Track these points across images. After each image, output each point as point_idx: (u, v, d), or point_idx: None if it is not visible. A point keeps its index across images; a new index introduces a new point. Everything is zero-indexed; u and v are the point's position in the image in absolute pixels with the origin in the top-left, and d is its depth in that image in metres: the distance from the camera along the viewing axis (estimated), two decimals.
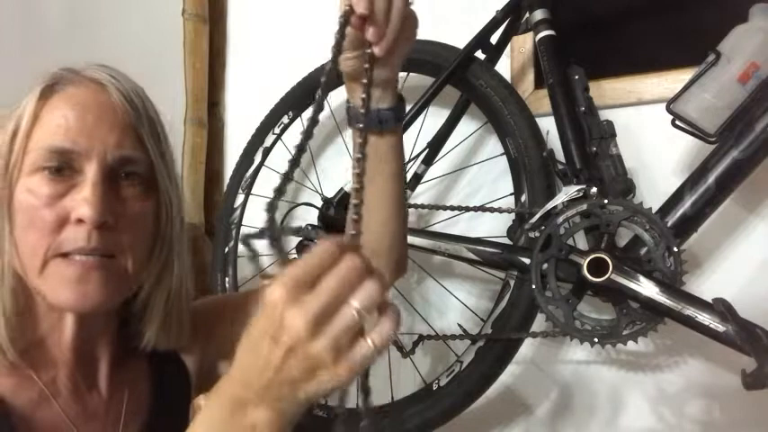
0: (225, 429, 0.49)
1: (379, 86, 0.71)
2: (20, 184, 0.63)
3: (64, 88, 0.66)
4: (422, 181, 1.33)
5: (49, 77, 0.66)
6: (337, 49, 0.60)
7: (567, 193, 1.07)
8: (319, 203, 1.32)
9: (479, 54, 1.27)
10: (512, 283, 1.16)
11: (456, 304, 1.36)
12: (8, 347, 0.63)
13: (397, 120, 0.74)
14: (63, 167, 0.63)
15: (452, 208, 1.22)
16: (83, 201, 0.62)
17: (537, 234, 1.07)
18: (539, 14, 1.21)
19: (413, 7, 0.66)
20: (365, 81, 0.59)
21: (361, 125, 0.57)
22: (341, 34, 0.61)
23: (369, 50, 0.62)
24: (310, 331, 0.44)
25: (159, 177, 0.68)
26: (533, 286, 1.05)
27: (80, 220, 0.62)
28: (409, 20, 0.66)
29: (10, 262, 0.64)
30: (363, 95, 0.58)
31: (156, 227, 0.69)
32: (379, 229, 0.78)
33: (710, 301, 0.97)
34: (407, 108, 1.24)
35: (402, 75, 1.42)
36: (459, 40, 1.27)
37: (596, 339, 1.02)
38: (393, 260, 0.82)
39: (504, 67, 1.33)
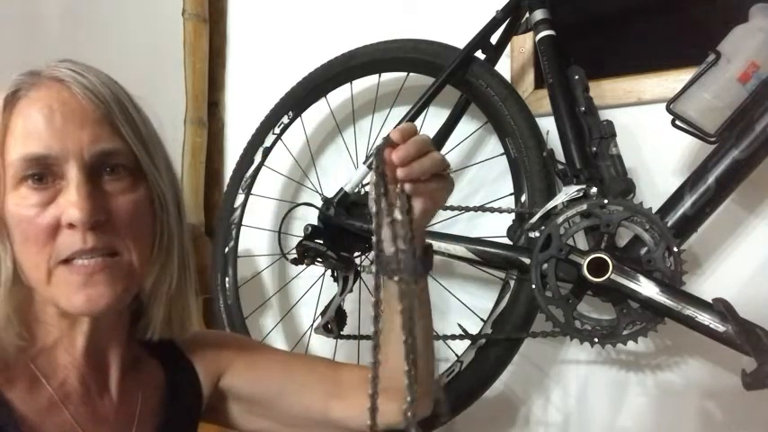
0: None
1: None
2: (8, 200, 0.62)
3: (27, 94, 0.64)
4: None
5: (10, 85, 0.64)
6: (383, 185, 0.60)
7: (567, 193, 1.07)
8: (319, 203, 1.32)
9: (479, 54, 1.26)
10: (512, 283, 1.16)
11: (456, 304, 1.36)
12: (17, 356, 0.63)
13: (422, 270, 0.74)
14: (44, 175, 0.62)
15: (452, 208, 1.22)
16: (70, 204, 0.60)
17: (537, 234, 1.07)
18: (539, 14, 1.21)
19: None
20: (399, 217, 0.60)
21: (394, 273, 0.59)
22: (378, 165, 0.61)
23: (400, 188, 0.63)
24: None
25: (144, 165, 0.66)
26: (533, 286, 1.05)
27: (71, 225, 0.61)
28: (441, 180, 0.67)
29: (12, 276, 0.63)
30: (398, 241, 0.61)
31: (153, 216, 0.67)
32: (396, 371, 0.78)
33: (710, 301, 0.97)
34: (407, 109, 1.25)
35: (402, 75, 1.44)
36: (460, 40, 1.27)
37: (596, 339, 1.02)
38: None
39: (504, 67, 1.32)
